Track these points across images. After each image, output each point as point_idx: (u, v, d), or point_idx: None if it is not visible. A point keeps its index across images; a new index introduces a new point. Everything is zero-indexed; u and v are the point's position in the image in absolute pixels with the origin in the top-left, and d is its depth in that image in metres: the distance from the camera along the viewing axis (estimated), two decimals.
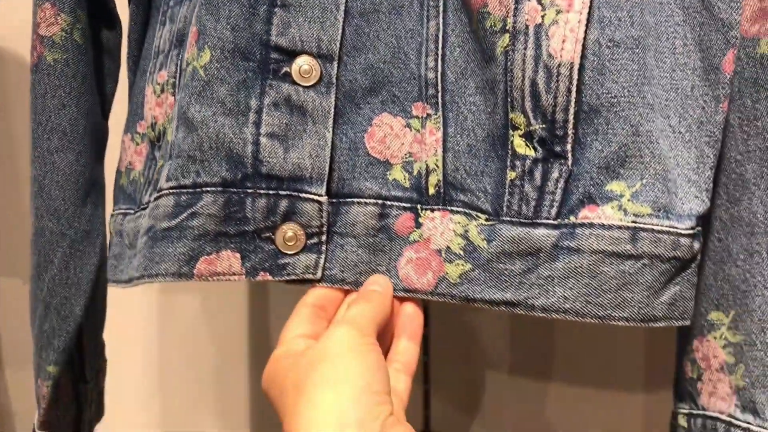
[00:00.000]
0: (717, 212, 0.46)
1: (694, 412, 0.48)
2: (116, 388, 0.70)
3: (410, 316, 0.45)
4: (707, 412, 0.46)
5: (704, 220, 0.44)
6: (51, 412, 0.58)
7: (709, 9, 0.42)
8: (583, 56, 0.41)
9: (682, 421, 0.49)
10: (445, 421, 0.91)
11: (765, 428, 0.43)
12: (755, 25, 0.43)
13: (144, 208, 0.51)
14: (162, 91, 0.51)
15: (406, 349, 0.44)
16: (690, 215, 0.42)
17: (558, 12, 0.41)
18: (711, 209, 0.46)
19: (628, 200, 0.41)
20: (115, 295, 0.68)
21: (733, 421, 0.45)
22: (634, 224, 0.41)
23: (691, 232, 0.42)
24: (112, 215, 0.58)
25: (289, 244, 0.45)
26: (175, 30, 0.50)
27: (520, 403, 0.89)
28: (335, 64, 0.44)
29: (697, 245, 0.42)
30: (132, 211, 0.54)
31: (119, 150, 0.59)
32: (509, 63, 0.41)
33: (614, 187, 0.41)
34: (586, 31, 0.41)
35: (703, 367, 0.47)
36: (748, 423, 0.44)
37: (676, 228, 0.41)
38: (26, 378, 0.97)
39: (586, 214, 0.42)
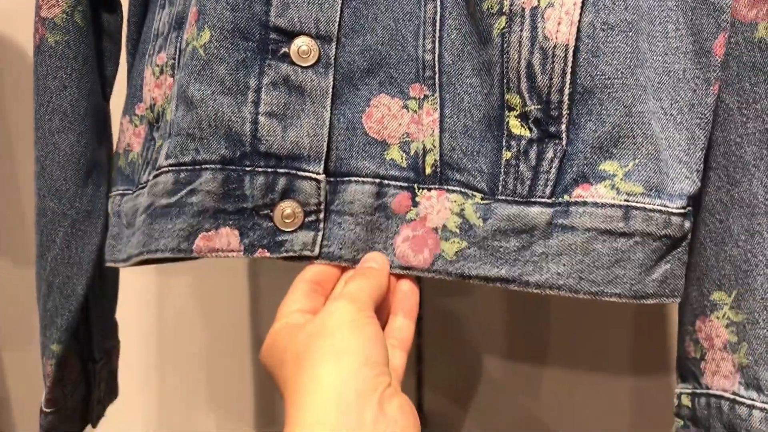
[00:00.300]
0: (718, 194, 0.46)
1: (698, 391, 0.48)
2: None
3: (406, 294, 0.45)
4: (711, 391, 0.47)
5: (695, 201, 0.45)
6: (56, 390, 0.59)
7: None
8: (577, 38, 0.41)
9: (686, 401, 0.49)
10: (438, 402, 0.92)
11: None
12: (753, 10, 0.44)
13: (142, 187, 0.52)
14: (161, 72, 0.52)
15: (402, 325, 0.45)
16: (681, 195, 0.43)
17: None
18: (712, 191, 0.46)
19: (621, 179, 0.42)
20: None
21: (737, 398, 0.45)
22: (626, 203, 0.42)
23: (682, 211, 0.43)
24: (110, 197, 0.58)
25: (287, 221, 0.45)
26: (174, 12, 0.50)
27: (512, 385, 0.90)
28: (333, 45, 0.45)
29: (687, 224, 0.43)
30: (130, 192, 0.55)
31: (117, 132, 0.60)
32: (506, 45, 0.42)
33: (607, 166, 0.42)
34: (581, 14, 0.41)
35: (706, 347, 0.47)
36: (753, 399, 0.45)
37: (668, 207, 0.42)
38: (24, 361, 0.98)
39: (580, 192, 0.42)
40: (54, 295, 0.57)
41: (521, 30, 0.42)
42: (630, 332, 0.84)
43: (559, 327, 0.87)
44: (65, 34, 0.55)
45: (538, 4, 0.41)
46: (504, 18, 0.42)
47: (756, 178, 0.45)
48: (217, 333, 1.02)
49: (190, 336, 1.02)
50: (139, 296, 1.01)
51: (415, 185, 0.45)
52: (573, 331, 0.86)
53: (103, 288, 0.64)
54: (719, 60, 0.43)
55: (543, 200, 0.43)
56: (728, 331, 0.46)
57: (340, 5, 0.45)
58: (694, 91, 0.44)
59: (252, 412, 1.03)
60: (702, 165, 0.44)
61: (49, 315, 0.57)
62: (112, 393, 0.70)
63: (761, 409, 0.44)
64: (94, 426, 0.68)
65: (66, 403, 0.61)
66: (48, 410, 0.60)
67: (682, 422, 0.50)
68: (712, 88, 0.43)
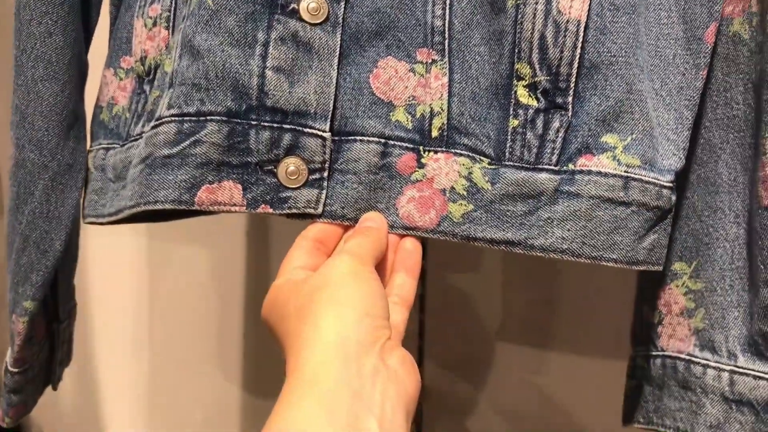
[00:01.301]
0: (684, 173, 0.49)
1: (653, 353, 0.51)
2: (106, 335, 0.69)
3: (408, 252, 0.46)
4: (666, 353, 0.51)
5: (679, 177, 0.48)
6: (26, 349, 0.57)
7: None
8: (587, 16, 0.43)
9: (641, 362, 0.52)
10: (439, 376, 0.92)
11: (722, 363, 0.48)
12: (729, 6, 0.47)
13: (135, 140, 0.50)
14: (154, 24, 0.51)
15: (404, 283, 0.45)
16: (669, 170, 0.45)
17: None
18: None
19: (621, 152, 0.44)
20: (104, 241, 0.66)
21: (693, 359, 0.49)
22: (626, 173, 0.44)
23: (670, 185, 0.45)
24: (90, 151, 0.57)
25: (291, 178, 0.45)
26: None
27: (513, 360, 0.90)
28: (342, 4, 0.45)
29: (674, 198, 0.46)
30: (117, 145, 0.53)
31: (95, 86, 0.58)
32: (520, 16, 0.43)
33: (608, 139, 0.44)
34: None
35: (664, 313, 0.51)
36: (707, 359, 0.49)
37: (659, 180, 0.45)
38: None
39: (584, 162, 0.44)
40: (30, 249, 0.54)
41: (536, 3, 0.43)
42: (628, 309, 0.85)
43: (560, 305, 0.87)
44: None
45: None
46: None
47: (722, 159, 0.48)
48: (213, 293, 1.00)
49: (185, 296, 1.00)
50: (132, 262, 0.98)
51: (421, 147, 0.46)
52: (574, 308, 0.86)
53: (69, 248, 0.62)
54: (710, 47, 0.46)
55: (550, 167, 0.44)
56: (686, 298, 0.50)
57: None
58: (684, 75, 0.46)
59: (247, 373, 1.02)
60: (688, 143, 0.47)
61: (24, 270, 0.55)
62: (69, 355, 0.68)
63: (714, 368, 0.48)
64: (54, 388, 0.66)
65: (33, 363, 0.59)
66: (15, 370, 0.58)
67: (635, 382, 0.53)
68: (701, 72, 0.46)
